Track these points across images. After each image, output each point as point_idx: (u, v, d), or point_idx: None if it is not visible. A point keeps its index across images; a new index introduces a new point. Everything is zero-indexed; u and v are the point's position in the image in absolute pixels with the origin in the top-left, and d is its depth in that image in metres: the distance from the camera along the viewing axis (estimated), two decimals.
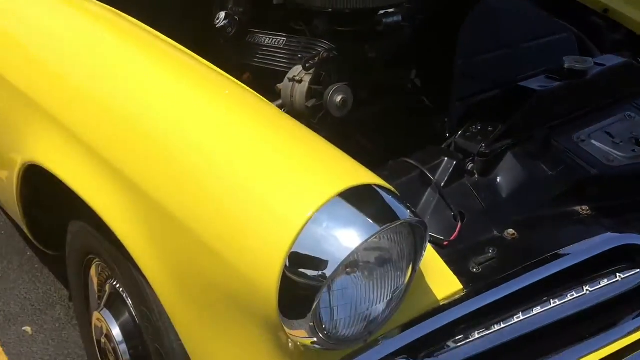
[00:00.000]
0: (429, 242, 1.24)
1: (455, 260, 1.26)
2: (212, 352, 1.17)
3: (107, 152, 1.27)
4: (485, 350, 1.22)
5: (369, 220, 0.97)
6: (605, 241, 1.33)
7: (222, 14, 1.84)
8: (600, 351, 1.30)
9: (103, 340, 1.62)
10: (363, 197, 1.00)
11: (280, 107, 1.62)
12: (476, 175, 1.44)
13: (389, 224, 0.97)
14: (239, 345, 1.11)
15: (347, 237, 0.96)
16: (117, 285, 1.56)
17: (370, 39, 1.73)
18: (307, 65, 1.60)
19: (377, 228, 0.96)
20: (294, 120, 1.23)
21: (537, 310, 1.27)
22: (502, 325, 1.24)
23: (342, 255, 0.95)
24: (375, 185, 1.02)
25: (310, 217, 0.97)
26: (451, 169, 1.41)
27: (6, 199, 1.92)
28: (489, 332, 1.23)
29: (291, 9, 1.79)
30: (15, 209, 1.84)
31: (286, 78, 1.64)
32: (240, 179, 1.05)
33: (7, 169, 1.74)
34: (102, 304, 1.61)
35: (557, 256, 1.30)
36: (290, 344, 1.04)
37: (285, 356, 1.08)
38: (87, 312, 1.79)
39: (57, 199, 1.67)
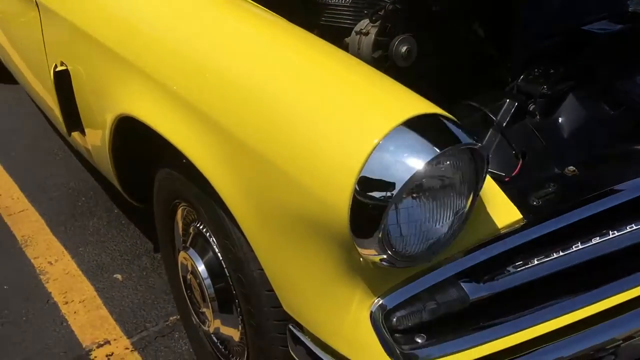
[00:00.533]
0: (491, 177, 1.32)
1: (516, 194, 1.31)
2: (290, 274, 1.29)
3: (194, 99, 1.39)
4: (544, 276, 1.28)
5: (431, 144, 1.05)
6: None
7: None
8: None
9: (189, 277, 1.77)
10: (425, 125, 1.08)
11: None
12: (538, 116, 1.48)
13: (450, 147, 1.05)
14: (315, 266, 1.22)
15: (411, 160, 1.04)
16: (201, 226, 1.71)
17: None
18: (373, 18, 1.67)
19: (438, 151, 1.04)
20: (361, 61, 1.31)
21: (595, 240, 1.32)
22: (561, 254, 1.30)
23: (407, 176, 1.03)
24: (437, 114, 1.10)
25: (377, 144, 1.05)
26: (513, 110, 1.46)
27: (99, 155, 2.09)
28: (548, 259, 1.29)
29: None
30: (107, 164, 2.01)
31: (353, 31, 1.72)
32: (314, 112, 1.15)
33: (101, 126, 1.90)
34: (188, 244, 1.76)
35: (616, 190, 1.33)
36: (362, 262, 1.14)
37: (357, 275, 1.18)
38: (172, 253, 1.95)
39: (146, 150, 1.83)
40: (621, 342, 1.28)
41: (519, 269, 1.27)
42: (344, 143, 1.10)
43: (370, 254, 1.11)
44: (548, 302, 1.28)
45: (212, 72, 1.35)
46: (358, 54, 1.69)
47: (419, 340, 1.20)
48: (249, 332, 1.56)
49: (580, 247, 1.31)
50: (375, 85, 1.19)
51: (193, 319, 1.92)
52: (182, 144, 1.44)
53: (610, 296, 1.29)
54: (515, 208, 1.28)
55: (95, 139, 2.04)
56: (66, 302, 2.30)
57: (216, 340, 1.88)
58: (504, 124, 1.45)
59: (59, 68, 2.01)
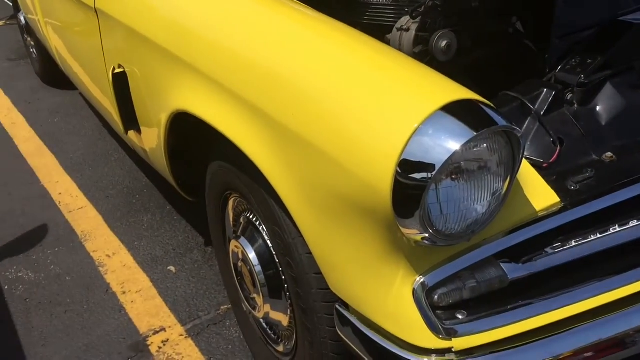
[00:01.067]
0: (530, 163, 1.37)
1: (554, 179, 1.35)
2: (336, 255, 1.36)
3: (244, 93, 1.47)
4: (582, 257, 1.32)
5: (468, 127, 1.11)
6: None
7: None
8: None
9: (240, 264, 1.86)
10: (462, 109, 1.13)
11: None
12: (575, 105, 1.51)
13: (486, 129, 1.11)
14: (360, 246, 1.29)
15: (449, 143, 1.10)
16: (251, 216, 1.80)
17: None
18: (413, 14, 1.74)
19: (475, 133, 1.10)
20: (401, 53, 1.38)
21: (633, 223, 1.35)
22: (599, 236, 1.34)
23: (445, 157, 1.09)
24: (473, 99, 1.16)
25: (416, 129, 1.11)
26: (550, 99, 1.49)
27: (154, 152, 2.21)
28: (586, 241, 1.33)
29: None
30: (161, 160, 2.12)
31: (394, 28, 1.78)
32: (357, 100, 1.22)
33: (156, 123, 2.01)
34: (239, 233, 1.85)
35: None
36: (405, 241, 1.21)
37: (400, 254, 1.24)
38: (224, 242, 2.05)
39: (198, 145, 1.94)
40: None
41: (557, 250, 1.32)
42: (386, 128, 1.16)
43: (412, 233, 1.18)
44: (585, 282, 1.32)
45: (261, 67, 1.43)
46: (399, 50, 1.75)
47: (460, 317, 1.25)
48: (297, 314, 1.63)
49: (618, 229, 1.35)
50: (414, 74, 1.25)
51: (244, 305, 2.01)
52: (234, 135, 1.53)
53: None
54: (552, 192, 1.32)
55: (151, 137, 2.15)
56: (124, 292, 2.43)
57: (265, 326, 1.97)
58: (542, 112, 1.48)
59: (117, 70, 2.13)
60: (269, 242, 1.72)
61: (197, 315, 2.29)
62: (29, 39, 4.46)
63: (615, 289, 1.31)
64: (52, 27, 3.23)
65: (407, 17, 1.76)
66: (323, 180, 1.29)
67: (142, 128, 2.21)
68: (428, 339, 1.23)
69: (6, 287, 2.50)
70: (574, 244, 1.33)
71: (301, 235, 1.46)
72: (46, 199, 3.11)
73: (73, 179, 3.25)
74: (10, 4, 5.34)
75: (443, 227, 1.17)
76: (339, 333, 1.45)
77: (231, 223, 1.98)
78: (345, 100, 1.23)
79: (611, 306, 1.30)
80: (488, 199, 1.19)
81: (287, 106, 1.35)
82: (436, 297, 1.25)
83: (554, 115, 1.50)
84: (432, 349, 1.23)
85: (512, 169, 1.20)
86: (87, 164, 3.41)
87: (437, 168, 1.10)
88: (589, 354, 1.28)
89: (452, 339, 1.23)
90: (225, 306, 2.31)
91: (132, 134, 2.32)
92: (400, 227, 1.18)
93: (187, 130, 1.89)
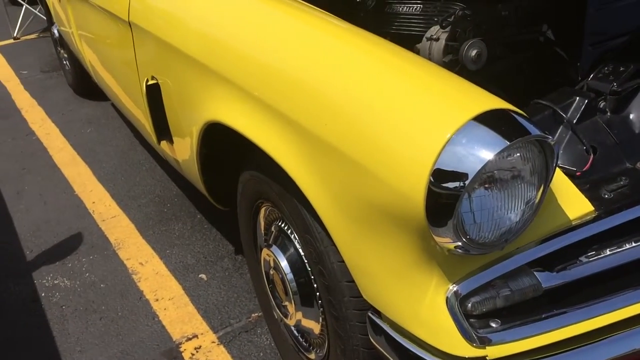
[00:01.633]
0: (563, 172, 1.37)
1: (587, 187, 1.35)
2: (369, 263, 1.37)
3: (277, 103, 1.49)
4: (616, 266, 1.32)
5: (501, 137, 1.12)
6: None
7: None
8: None
9: (272, 272, 1.89)
10: (495, 119, 1.14)
11: None
12: (608, 113, 1.51)
13: (519, 139, 1.11)
14: (393, 255, 1.30)
15: (482, 152, 1.10)
16: (282, 224, 1.82)
17: None
18: (443, 24, 1.75)
19: (508, 142, 1.11)
20: (433, 63, 1.40)
21: None
22: (633, 244, 1.33)
23: (478, 167, 1.10)
24: (506, 109, 1.16)
25: (449, 139, 1.12)
26: (583, 107, 1.49)
27: (186, 162, 2.24)
28: (620, 250, 1.33)
29: None
30: (194, 170, 2.16)
31: (424, 37, 1.80)
32: (391, 110, 1.23)
33: (189, 134, 2.05)
34: (270, 241, 1.87)
35: None
36: (438, 249, 1.22)
37: (433, 262, 1.25)
38: (255, 251, 2.08)
39: (230, 155, 1.97)
40: None
41: (591, 259, 1.31)
42: (419, 138, 1.17)
43: (446, 241, 1.18)
44: (620, 291, 1.32)
45: (293, 78, 1.45)
46: (429, 59, 1.76)
47: (494, 325, 1.26)
48: (329, 321, 1.65)
49: None
50: (446, 84, 1.27)
51: (275, 313, 2.03)
52: (267, 146, 1.55)
53: None
54: (586, 200, 1.32)
55: (183, 147, 2.19)
56: (157, 299, 2.47)
57: (297, 334, 1.98)
58: (575, 120, 1.49)
59: (150, 82, 2.18)
60: (300, 250, 1.73)
61: (229, 323, 2.32)
62: (62, 51, 4.56)
63: None
64: (85, 40, 3.31)
65: (437, 27, 1.77)
66: (356, 190, 1.30)
67: (174, 138, 2.26)
68: (462, 347, 1.24)
69: (43, 295, 2.56)
70: (608, 252, 1.32)
71: (333, 244, 1.48)
72: (80, 208, 3.18)
73: (106, 188, 3.32)
74: (44, 17, 5.47)
75: (476, 235, 1.18)
76: (372, 341, 1.46)
77: (262, 231, 2.00)
78: (378, 111, 1.24)
79: None
80: (521, 208, 1.19)
81: (320, 117, 1.37)
82: (469, 305, 1.26)
83: (587, 124, 1.50)
84: (466, 357, 1.24)
85: (546, 178, 1.20)
86: (120, 173, 3.47)
87: (470, 177, 1.11)
88: None
89: (486, 347, 1.23)
90: (256, 314, 2.33)
91: (164, 144, 2.37)
92: (434, 236, 1.19)
93: (219, 141, 1.93)
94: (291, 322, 1.88)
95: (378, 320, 1.42)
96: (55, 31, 4.48)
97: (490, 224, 1.18)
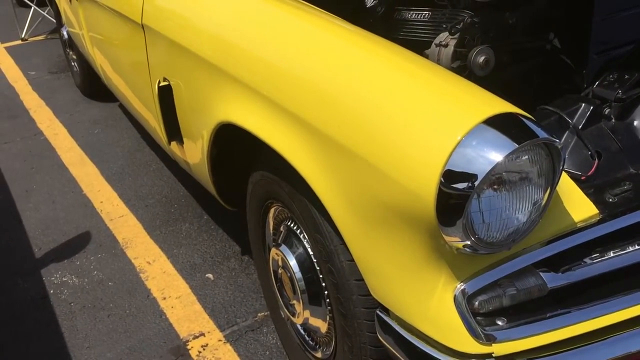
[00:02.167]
0: (568, 176, 1.40)
1: (592, 191, 1.39)
2: (379, 261, 1.40)
3: (288, 103, 1.53)
4: (620, 268, 1.35)
5: (510, 139, 1.15)
6: None
7: None
8: None
9: (280, 271, 1.92)
10: (504, 122, 1.17)
11: None
12: (613, 119, 1.54)
13: (527, 141, 1.15)
14: (403, 253, 1.33)
15: (492, 154, 1.14)
16: (292, 224, 1.86)
17: (510, 7, 1.88)
18: (452, 30, 1.79)
19: (516, 145, 1.14)
20: (443, 67, 1.43)
21: None
22: (637, 247, 1.36)
23: (488, 168, 1.13)
24: (515, 112, 1.20)
25: (460, 141, 1.16)
26: (588, 113, 1.53)
27: (196, 162, 2.28)
28: (624, 252, 1.36)
29: None
30: (204, 170, 2.19)
31: (433, 44, 1.84)
32: (403, 112, 1.27)
33: (200, 135, 2.08)
34: (280, 241, 1.91)
35: None
36: (447, 248, 1.25)
37: (442, 261, 1.28)
38: (263, 250, 2.11)
39: (240, 155, 2.00)
40: None
41: (595, 261, 1.35)
42: (430, 140, 1.21)
43: (455, 240, 1.22)
44: (623, 292, 1.35)
45: (306, 80, 1.49)
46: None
47: (500, 323, 1.29)
48: (337, 319, 1.68)
49: None
50: (457, 88, 1.30)
51: (282, 312, 2.06)
52: (279, 146, 1.59)
53: None
54: (591, 203, 1.35)
55: (194, 148, 2.22)
56: (164, 298, 2.51)
57: (303, 332, 2.02)
58: (580, 126, 1.52)
59: (162, 83, 2.22)
60: (309, 249, 1.77)
61: (235, 322, 2.35)
62: (70, 52, 4.61)
63: None
64: (96, 42, 3.35)
65: (446, 34, 1.81)
66: (367, 189, 1.34)
67: (185, 139, 2.29)
68: (469, 344, 1.27)
69: (51, 291, 2.60)
70: (612, 254, 1.36)
71: (343, 243, 1.51)
72: (88, 207, 3.22)
73: (114, 188, 3.36)
74: (53, 19, 5.52)
75: (485, 235, 1.21)
76: (380, 338, 1.49)
77: (271, 231, 2.04)
78: (390, 113, 1.28)
79: None
80: (529, 209, 1.23)
81: (333, 118, 1.40)
82: (476, 303, 1.29)
83: (592, 130, 1.53)
84: (472, 354, 1.27)
85: (553, 180, 1.23)
86: (127, 173, 3.51)
87: (479, 178, 1.15)
88: None
89: (492, 345, 1.26)
90: (263, 313, 2.37)
91: (174, 145, 2.40)
92: (443, 235, 1.22)
93: (230, 142, 1.97)
94: (298, 320, 1.92)
95: (386, 318, 1.45)
96: (65, 33, 4.52)
97: (499, 224, 1.21)
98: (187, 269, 2.67)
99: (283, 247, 1.86)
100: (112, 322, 2.41)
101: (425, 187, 1.19)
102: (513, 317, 1.30)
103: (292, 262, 1.82)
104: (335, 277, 1.60)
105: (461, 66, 1.78)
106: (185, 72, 2.10)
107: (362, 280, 1.50)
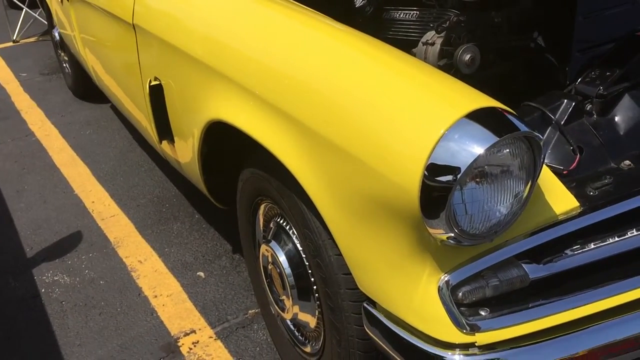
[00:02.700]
0: (551, 170, 1.44)
1: (573, 185, 1.42)
2: (365, 254, 1.43)
3: (276, 101, 1.55)
4: (600, 259, 1.38)
5: (491, 133, 1.18)
6: None
7: None
8: None
9: (270, 267, 1.94)
10: (486, 116, 1.20)
11: None
12: (594, 115, 1.58)
13: (508, 135, 1.18)
14: (388, 246, 1.36)
15: (474, 147, 1.17)
16: (282, 221, 1.88)
17: (496, 7, 1.91)
18: (439, 29, 1.82)
19: (498, 138, 1.17)
20: (426, 64, 1.47)
21: None
22: (616, 239, 1.40)
23: (470, 161, 1.16)
24: (496, 107, 1.23)
25: (443, 135, 1.18)
26: (571, 109, 1.56)
27: (187, 161, 2.30)
28: (604, 244, 1.39)
29: None
30: (194, 169, 2.21)
31: (420, 42, 1.87)
32: (387, 107, 1.29)
33: (190, 133, 2.10)
34: (269, 237, 1.93)
35: None
36: (431, 240, 1.28)
37: (426, 253, 1.31)
38: (253, 247, 2.13)
39: (230, 153, 2.03)
40: None
41: (576, 252, 1.38)
42: (414, 134, 1.24)
43: (439, 232, 1.25)
44: (603, 283, 1.38)
45: (294, 77, 1.52)
46: None
47: (483, 313, 1.32)
48: (325, 313, 1.71)
49: (635, 233, 1.40)
50: (441, 84, 1.33)
51: (272, 308, 2.09)
52: (268, 142, 1.61)
53: None
54: (572, 196, 1.39)
55: (185, 146, 2.24)
56: (155, 296, 2.52)
57: (293, 328, 2.04)
58: (562, 122, 1.55)
59: (153, 83, 2.24)
60: (298, 245, 1.79)
61: (226, 319, 2.37)
62: (62, 54, 4.62)
63: (630, 290, 1.37)
64: (87, 42, 3.37)
65: (433, 32, 1.85)
66: (354, 183, 1.36)
67: (176, 138, 2.31)
68: (453, 334, 1.30)
69: (43, 290, 2.61)
70: (592, 246, 1.39)
71: (331, 237, 1.54)
72: (79, 207, 3.23)
73: (105, 189, 3.37)
74: (44, 21, 5.53)
75: (468, 227, 1.24)
76: (367, 330, 1.52)
77: (261, 228, 2.06)
78: (375, 108, 1.31)
79: (627, 307, 1.36)
80: (510, 201, 1.26)
81: (320, 114, 1.43)
82: (460, 294, 1.32)
83: (574, 125, 1.57)
84: (456, 344, 1.30)
85: (534, 173, 1.26)
86: (119, 174, 3.52)
87: (462, 171, 1.18)
88: (605, 352, 1.33)
89: (476, 334, 1.29)
90: (253, 310, 2.39)
91: (165, 144, 2.42)
92: (427, 227, 1.25)
93: (220, 140, 1.99)
94: (288, 315, 1.94)
95: (373, 310, 1.48)
96: (56, 34, 4.53)
97: (481, 216, 1.24)
98: (178, 267, 2.69)
99: (273, 243, 1.89)
100: (103, 320, 2.42)
101: (410, 180, 1.22)
102: (496, 307, 1.33)
103: (282, 258, 1.84)
104: (323, 271, 1.62)
105: (447, 64, 1.81)
106: (176, 71, 2.12)
107: (350, 273, 1.52)
